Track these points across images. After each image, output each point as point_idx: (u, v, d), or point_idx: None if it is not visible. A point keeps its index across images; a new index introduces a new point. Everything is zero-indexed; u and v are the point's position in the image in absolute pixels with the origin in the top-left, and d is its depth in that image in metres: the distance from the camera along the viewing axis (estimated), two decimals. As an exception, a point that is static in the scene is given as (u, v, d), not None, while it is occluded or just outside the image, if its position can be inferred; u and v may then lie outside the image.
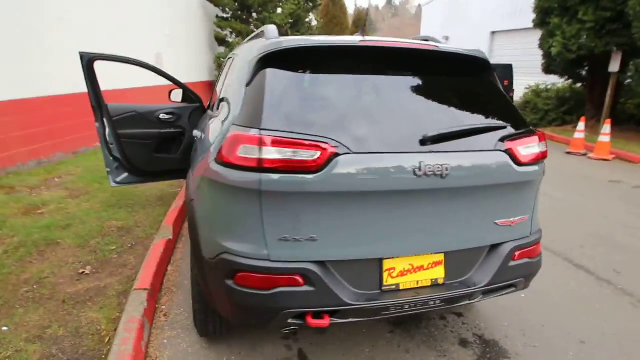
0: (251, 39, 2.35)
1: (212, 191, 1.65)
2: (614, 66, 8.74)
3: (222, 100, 2.18)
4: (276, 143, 1.46)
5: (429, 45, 1.85)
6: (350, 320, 1.64)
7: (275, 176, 1.45)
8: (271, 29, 2.00)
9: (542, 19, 10.11)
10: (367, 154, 1.51)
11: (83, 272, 2.83)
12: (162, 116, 3.84)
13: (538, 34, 10.90)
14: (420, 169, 1.54)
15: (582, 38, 8.78)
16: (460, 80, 1.90)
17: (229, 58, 3.09)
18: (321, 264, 1.55)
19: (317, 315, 1.58)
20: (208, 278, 1.73)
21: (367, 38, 1.79)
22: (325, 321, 1.56)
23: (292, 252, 1.53)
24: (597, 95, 10.07)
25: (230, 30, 10.67)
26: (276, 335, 2.31)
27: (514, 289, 1.90)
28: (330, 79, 1.69)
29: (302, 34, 11.98)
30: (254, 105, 1.59)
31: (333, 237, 1.55)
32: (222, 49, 11.00)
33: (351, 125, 1.56)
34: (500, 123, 1.76)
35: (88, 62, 3.36)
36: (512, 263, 1.82)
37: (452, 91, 1.83)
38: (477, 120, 1.76)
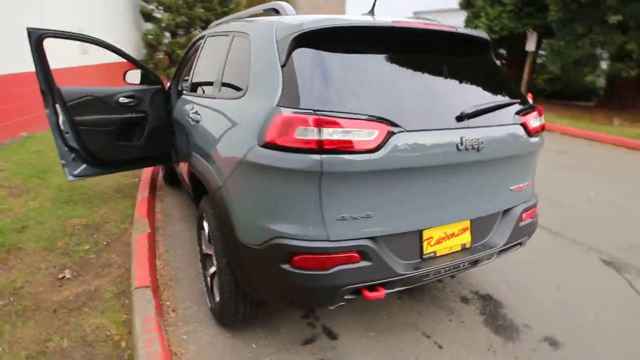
0: (252, 16, 2.24)
1: (258, 176, 1.59)
2: (531, 45, 9.72)
3: (226, 83, 2.08)
4: (335, 124, 1.45)
5: (449, 27, 1.93)
6: (396, 289, 1.73)
7: (336, 157, 1.45)
8: (287, 6, 1.94)
9: (468, 1, 10.83)
10: (417, 131, 1.57)
11: (63, 277, 2.56)
12: (121, 100, 3.51)
13: (458, 14, 11.67)
14: (462, 144, 1.64)
15: (504, 20, 9.61)
16: (473, 59, 2.02)
17: (204, 37, 2.90)
18: (374, 239, 1.60)
19: (371, 288, 1.64)
20: (252, 265, 1.69)
21: (397, 19, 1.82)
22: (381, 293, 1.63)
23: (349, 230, 1.55)
24: (515, 72, 11.16)
25: (157, 3, 9.83)
26: (296, 314, 2.33)
27: (519, 246, 2.13)
28: (368, 59, 1.71)
29: (232, 10, 11.47)
30: (301, 86, 1.55)
31: (385, 213, 1.60)
32: (149, 26, 10.12)
33: (397, 104, 1.60)
34: (514, 99, 1.93)
35: (37, 39, 2.93)
36: (521, 223, 2.04)
37: (468, 70, 1.95)
38: (494, 96, 1.91)
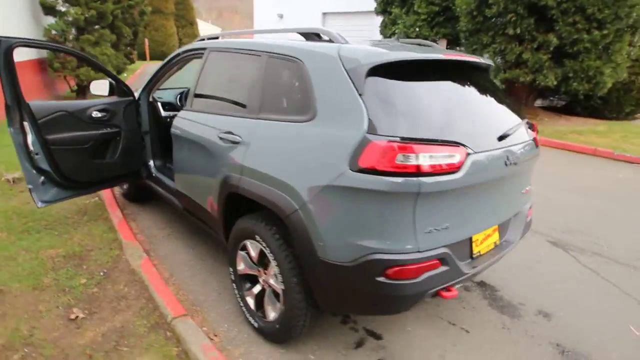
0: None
1: (352, 198, 1.69)
2: (441, 51, 10.86)
3: (271, 105, 2.11)
4: (429, 149, 1.64)
5: (475, 57, 2.23)
6: (458, 287, 1.99)
7: (430, 179, 1.64)
8: (336, 34, 2.05)
9: (384, 7, 11.65)
10: (480, 152, 1.83)
11: (76, 317, 2.31)
12: (94, 114, 3.20)
13: (366, 17, 12.46)
14: (508, 160, 1.95)
15: (418, 28, 10.58)
16: (488, 83, 2.35)
17: (201, 50, 2.79)
18: (449, 246, 1.83)
19: (445, 289, 1.87)
20: (339, 281, 1.79)
21: (446, 52, 2.05)
22: (455, 292, 1.87)
23: (433, 241, 1.76)
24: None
25: (62, -5, 8.67)
26: (334, 321, 2.46)
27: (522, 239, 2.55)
28: (429, 87, 1.91)
29: (137, 4, 10.55)
30: (387, 115, 1.69)
31: (456, 223, 1.84)
32: (51, 20, 8.86)
33: (461, 128, 1.84)
34: (522, 116, 2.31)
35: (7, 49, 2.54)
36: (527, 220, 2.46)
37: (486, 92, 2.27)
38: (510, 114, 2.26)
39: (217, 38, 2.95)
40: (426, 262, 1.74)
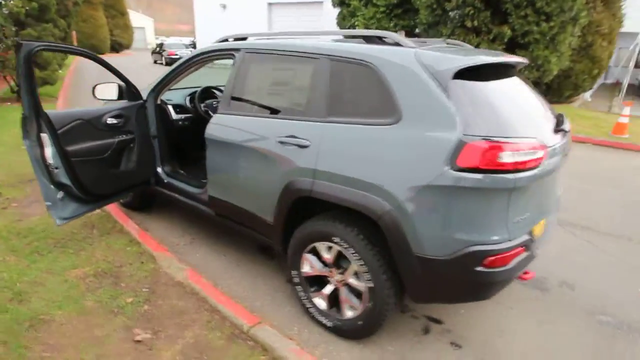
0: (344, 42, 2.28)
1: (451, 196, 1.78)
2: (400, 43, 11.22)
3: (341, 108, 2.13)
4: (522, 148, 1.77)
5: (522, 58, 2.39)
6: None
7: (522, 174, 1.78)
8: (404, 39, 2.12)
9: (342, 0, 11.75)
10: (551, 147, 2.00)
11: (141, 339, 2.19)
12: (109, 121, 2.98)
13: (314, 7, 12.46)
14: (563, 152, 2.15)
15: (377, 20, 10.83)
16: (524, 80, 2.52)
17: (230, 51, 2.71)
18: (528, 233, 2.00)
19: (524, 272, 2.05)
20: (436, 274, 1.89)
21: (500, 53, 2.18)
22: (532, 274, 2.05)
23: (519, 230, 1.91)
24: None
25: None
26: (395, 312, 2.56)
27: None
28: (497, 87, 2.05)
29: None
30: (476, 116, 1.80)
31: (532, 212, 2.01)
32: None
33: (531, 123, 2.00)
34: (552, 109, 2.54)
35: (29, 53, 2.28)
36: (558, 204, 2.71)
37: (529, 89, 2.45)
38: (550, 108, 2.46)
39: (245, 39, 2.87)
40: (515, 249, 1.89)
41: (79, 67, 17.45)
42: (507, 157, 1.74)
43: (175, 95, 3.73)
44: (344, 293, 2.28)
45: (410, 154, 1.88)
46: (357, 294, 2.22)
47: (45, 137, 2.51)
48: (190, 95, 3.79)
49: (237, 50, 2.72)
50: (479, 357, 2.25)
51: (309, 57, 2.32)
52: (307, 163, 2.20)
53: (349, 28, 11.92)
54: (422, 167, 1.83)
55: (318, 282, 2.41)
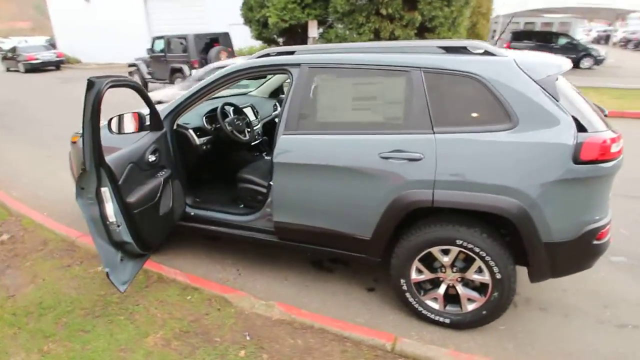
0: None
1: (577, 186, 2.05)
2: (313, 32, 11.37)
3: (443, 118, 2.23)
4: (619, 138, 2.12)
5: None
6: None
7: (617, 160, 2.13)
8: (490, 46, 2.29)
9: (248, -11, 11.33)
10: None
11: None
12: (150, 158, 2.58)
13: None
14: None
15: (289, 10, 10.75)
16: None
17: (282, 67, 2.60)
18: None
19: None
20: (565, 254, 2.18)
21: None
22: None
23: (608, 207, 2.29)
24: (295, 55, 12.72)
25: None
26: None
27: None
28: (567, 87, 2.34)
29: None
30: (580, 114, 2.10)
31: None
32: None
33: (599, 117, 2.34)
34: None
35: (98, 92, 1.86)
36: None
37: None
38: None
39: (292, 53, 2.72)
40: (610, 222, 2.27)
41: None
42: (614, 148, 2.08)
43: (189, 117, 3.33)
44: (461, 289, 2.43)
45: (535, 154, 2.09)
46: (476, 287, 2.41)
47: (106, 191, 2.08)
48: (207, 115, 3.41)
49: (296, 65, 2.58)
50: (563, 314, 2.64)
51: (398, 71, 2.34)
52: (422, 175, 2.26)
53: (259, 19, 11.61)
54: (550, 165, 2.06)
55: (430, 285, 2.52)
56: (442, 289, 2.48)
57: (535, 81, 2.12)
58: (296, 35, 12.16)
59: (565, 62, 2.27)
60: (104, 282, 2.96)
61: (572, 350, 2.35)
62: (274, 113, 4.30)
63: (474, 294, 2.42)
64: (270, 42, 12.71)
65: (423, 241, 2.38)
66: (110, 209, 2.14)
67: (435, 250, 2.38)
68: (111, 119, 2.58)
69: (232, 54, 11.64)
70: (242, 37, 14.31)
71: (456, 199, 2.21)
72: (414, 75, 2.30)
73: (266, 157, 3.71)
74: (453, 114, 2.26)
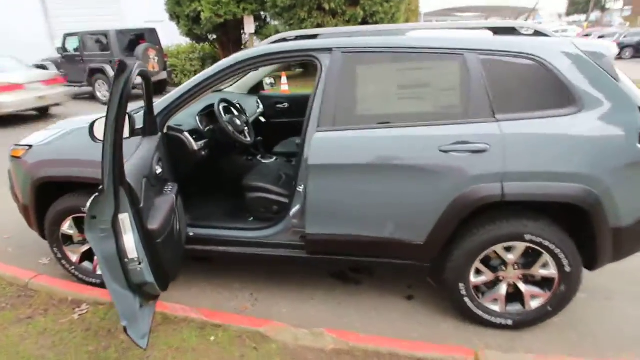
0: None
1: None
2: (250, 28, 10.81)
3: (505, 103, 2.06)
4: None
5: None
6: None
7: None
8: (542, 27, 2.17)
9: (175, -17, 10.39)
10: None
11: None
12: (158, 171, 2.06)
13: None
14: None
15: (223, 4, 10.08)
16: None
17: (313, 55, 2.24)
18: None
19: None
20: (627, 238, 2.12)
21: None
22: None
23: None
24: (229, 54, 12.00)
25: None
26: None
27: None
28: None
29: None
30: (634, 93, 2.04)
31: None
32: None
33: None
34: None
35: (128, 81, 1.33)
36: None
37: None
38: None
39: (315, 37, 2.35)
40: None
41: None
42: None
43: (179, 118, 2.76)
44: (524, 287, 2.29)
45: (605, 138, 2.00)
46: (536, 282, 2.28)
47: (125, 218, 1.52)
48: (201, 114, 2.84)
49: (326, 50, 2.22)
50: (604, 297, 2.64)
51: (449, 54, 2.11)
52: (489, 167, 2.06)
53: (189, 14, 10.73)
54: (620, 148, 1.99)
55: (479, 287, 2.34)
56: (502, 288, 2.31)
57: (595, 63, 2.02)
58: (230, 31, 11.51)
59: (613, 45, 2.22)
60: (88, 334, 2.31)
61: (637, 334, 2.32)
62: (258, 111, 3.83)
63: (537, 290, 2.28)
64: (201, 39, 11.87)
65: (487, 239, 2.18)
66: (131, 241, 1.57)
67: (499, 248, 2.20)
68: (94, 122, 1.98)
69: (160, 52, 10.62)
70: (165, 35, 13.16)
71: (529, 190, 2.05)
72: (470, 58, 2.09)
73: (263, 161, 3.25)
74: (514, 99, 2.09)
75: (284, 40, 2.43)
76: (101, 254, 1.55)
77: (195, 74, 10.87)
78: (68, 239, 2.74)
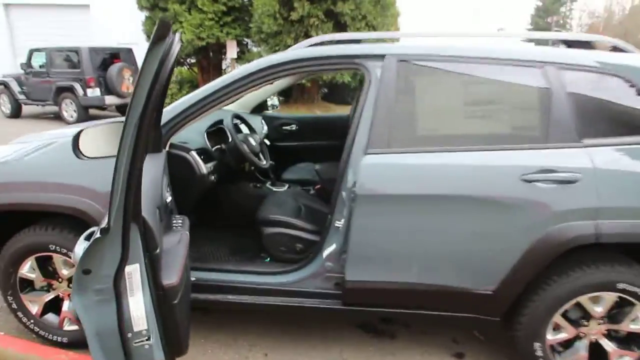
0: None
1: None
2: (233, 53, 10.46)
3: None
4: None
5: None
6: None
7: None
8: (622, 43, 1.92)
9: (154, 2, 9.97)
10: None
11: None
12: (169, 199, 1.56)
13: (76, 12, 10.44)
14: None
15: (207, 27, 9.74)
16: None
17: (364, 65, 1.87)
18: None
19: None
20: None
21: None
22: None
23: None
24: (209, 79, 11.60)
25: None
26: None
27: None
28: None
29: None
30: None
31: None
32: None
33: None
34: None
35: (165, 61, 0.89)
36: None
37: None
38: None
39: (359, 41, 1.99)
40: None
41: None
42: None
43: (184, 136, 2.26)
44: (609, 345, 1.90)
45: None
46: (620, 339, 1.90)
47: (135, 271, 1.01)
48: (209, 131, 2.35)
49: (377, 57, 1.85)
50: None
51: (529, 67, 1.79)
52: (580, 202, 1.71)
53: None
54: None
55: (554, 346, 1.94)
56: (583, 347, 1.92)
57: None
58: (210, 55, 11.14)
59: None
60: None
61: None
62: (263, 132, 3.39)
63: (626, 350, 1.90)
64: (178, 62, 11.39)
65: (572, 289, 1.80)
66: (140, 307, 1.03)
67: (585, 299, 1.82)
68: (79, 133, 1.47)
69: (136, 73, 10.02)
70: (140, 57, 12.59)
71: (629, 230, 1.70)
72: (550, 72, 1.77)
73: (275, 189, 2.78)
74: (601, 121, 1.79)
75: (322, 44, 2.06)
76: (94, 328, 1.00)
77: (171, 98, 10.42)
78: (28, 285, 2.14)
